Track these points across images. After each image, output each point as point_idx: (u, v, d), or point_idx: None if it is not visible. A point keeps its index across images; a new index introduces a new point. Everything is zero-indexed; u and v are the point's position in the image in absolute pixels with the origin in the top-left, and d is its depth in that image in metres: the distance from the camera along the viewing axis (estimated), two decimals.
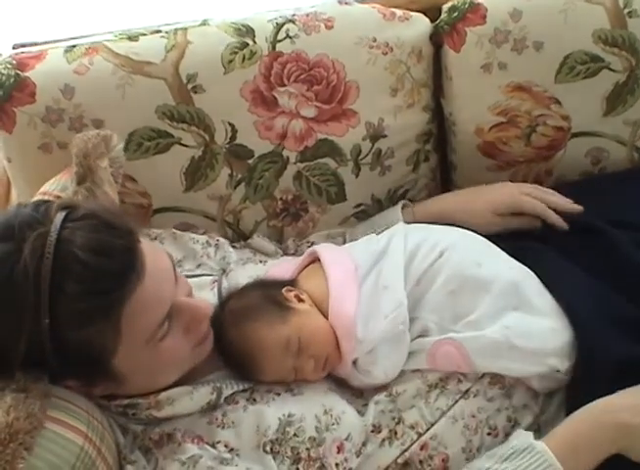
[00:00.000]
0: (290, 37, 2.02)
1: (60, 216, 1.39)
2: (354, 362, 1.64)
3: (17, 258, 1.34)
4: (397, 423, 1.60)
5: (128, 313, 1.38)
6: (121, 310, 1.37)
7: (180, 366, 1.55)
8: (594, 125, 2.18)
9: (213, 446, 1.51)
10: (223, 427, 1.54)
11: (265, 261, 1.98)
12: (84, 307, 1.34)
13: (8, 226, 1.39)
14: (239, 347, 1.62)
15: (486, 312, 1.64)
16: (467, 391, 1.63)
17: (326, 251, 1.81)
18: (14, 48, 2.07)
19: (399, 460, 1.58)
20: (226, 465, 1.49)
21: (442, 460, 1.59)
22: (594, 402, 1.55)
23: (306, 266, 1.82)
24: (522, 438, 1.53)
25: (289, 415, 1.55)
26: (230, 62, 1.98)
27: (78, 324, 1.35)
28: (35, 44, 2.05)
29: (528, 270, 1.76)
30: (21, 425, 1.27)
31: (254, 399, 1.59)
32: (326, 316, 1.66)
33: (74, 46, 1.97)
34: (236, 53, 1.99)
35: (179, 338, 1.50)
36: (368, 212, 2.18)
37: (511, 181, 2.20)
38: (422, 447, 1.59)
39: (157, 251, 1.51)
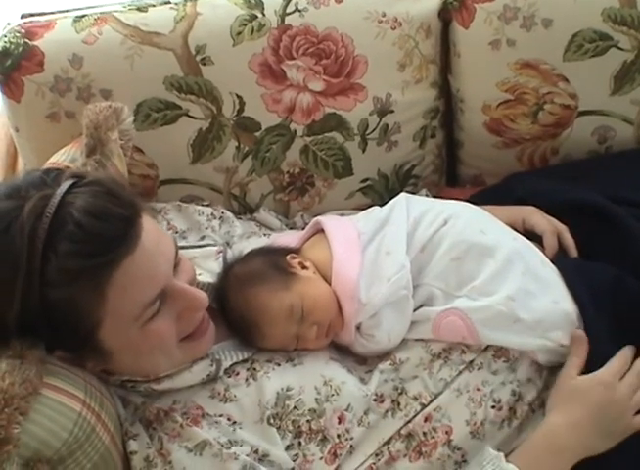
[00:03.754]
0: (299, 10, 1.97)
1: (68, 183, 1.35)
2: (358, 328, 1.61)
3: (16, 214, 1.31)
4: (400, 393, 1.57)
5: (116, 283, 1.33)
6: (108, 277, 1.32)
7: (167, 355, 1.48)
8: (601, 104, 2.12)
9: (216, 419, 1.48)
10: (225, 401, 1.51)
11: (269, 235, 1.95)
12: (71, 266, 1.30)
13: (15, 186, 1.38)
14: (242, 312, 1.59)
15: (491, 277, 1.61)
16: (471, 362, 1.59)
17: (329, 220, 1.78)
18: (22, 17, 2.01)
19: (402, 431, 1.54)
20: (232, 448, 1.45)
21: (446, 432, 1.55)
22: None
23: (311, 237, 1.78)
24: (494, 462, 1.49)
25: (287, 388, 1.52)
26: (239, 34, 1.93)
27: (64, 283, 1.31)
28: (44, 14, 2.00)
29: (531, 243, 1.73)
30: (16, 390, 1.23)
31: (255, 369, 1.55)
32: (330, 284, 1.63)
33: (83, 16, 1.93)
34: (245, 25, 1.94)
35: (169, 323, 1.44)
36: (374, 188, 2.13)
37: (518, 159, 2.18)
38: (425, 419, 1.55)
39: (160, 232, 1.47)
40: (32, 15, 2.01)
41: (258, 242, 1.86)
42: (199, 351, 1.53)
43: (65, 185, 1.35)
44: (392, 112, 2.07)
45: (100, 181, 1.39)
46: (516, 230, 1.79)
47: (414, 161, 2.17)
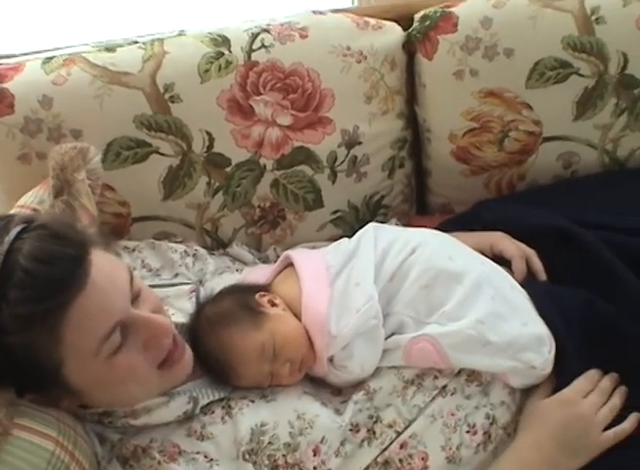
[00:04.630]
0: (265, 47, 1.98)
1: (16, 229, 1.35)
2: (331, 360, 1.61)
3: None
4: (375, 422, 1.56)
5: (70, 322, 1.32)
6: (61, 318, 1.31)
7: (144, 384, 1.47)
8: (565, 130, 2.14)
9: (193, 456, 1.48)
10: (202, 439, 1.50)
11: (242, 270, 1.94)
12: (23, 312, 1.29)
13: None
14: (215, 353, 1.58)
15: (460, 302, 1.62)
16: (444, 387, 1.59)
17: (298, 254, 1.78)
18: None
19: (379, 459, 1.54)
20: None
21: (422, 459, 1.55)
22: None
23: (282, 271, 1.78)
24: None
25: (261, 424, 1.52)
26: (206, 71, 1.94)
27: (19, 329, 1.30)
28: (13, 56, 2.00)
29: (500, 267, 1.74)
30: None
31: (230, 407, 1.54)
32: (300, 318, 1.63)
33: (52, 57, 1.92)
34: (212, 63, 1.94)
35: (135, 354, 1.42)
36: (345, 219, 2.14)
37: (485, 186, 2.20)
38: (401, 446, 1.55)
39: (112, 264, 1.45)
40: (1, 57, 2.01)
41: (231, 278, 1.85)
42: (176, 376, 1.52)
43: (13, 232, 1.34)
44: (360, 143, 2.08)
45: (46, 224, 1.37)
46: (485, 255, 1.79)
47: (383, 191, 2.18)
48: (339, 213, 2.13)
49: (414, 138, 2.23)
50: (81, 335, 1.34)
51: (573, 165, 2.19)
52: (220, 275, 1.90)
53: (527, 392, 1.63)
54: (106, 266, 1.40)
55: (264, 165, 2.02)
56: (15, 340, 1.30)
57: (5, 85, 1.86)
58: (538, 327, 1.62)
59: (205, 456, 1.48)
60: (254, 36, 1.98)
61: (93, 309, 1.34)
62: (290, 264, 1.76)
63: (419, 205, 2.33)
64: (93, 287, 1.34)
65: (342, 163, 2.08)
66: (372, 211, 2.17)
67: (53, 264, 1.31)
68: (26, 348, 1.31)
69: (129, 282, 1.44)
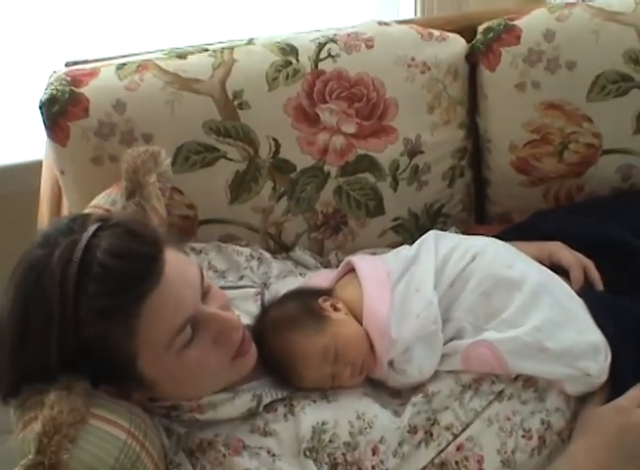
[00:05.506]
0: (331, 56, 2.01)
1: (93, 227, 1.40)
2: (391, 364, 1.63)
3: (46, 261, 1.37)
4: (433, 424, 1.58)
5: (144, 316, 1.37)
6: (136, 312, 1.36)
7: (213, 377, 1.52)
8: (624, 143, 2.14)
9: (256, 451, 1.51)
10: (265, 435, 1.53)
11: (305, 274, 1.97)
12: (101, 305, 1.34)
13: (46, 235, 1.44)
14: (278, 355, 1.61)
15: (518, 309, 1.63)
16: (500, 392, 1.60)
17: (360, 259, 1.80)
18: (66, 65, 2.06)
19: (436, 461, 1.56)
20: None
21: (477, 461, 1.56)
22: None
23: (343, 276, 1.81)
24: None
25: (322, 423, 1.54)
26: (274, 79, 1.97)
27: (96, 321, 1.34)
28: (87, 61, 2.05)
29: (557, 276, 1.75)
30: (64, 418, 1.27)
31: (292, 405, 1.57)
32: (361, 323, 1.65)
33: (125, 64, 1.97)
34: (280, 71, 1.98)
35: (206, 348, 1.46)
36: (405, 226, 2.15)
37: (544, 196, 2.20)
38: (457, 449, 1.56)
39: (184, 262, 1.50)
40: (76, 63, 2.06)
41: (294, 282, 1.88)
42: (243, 368, 1.56)
43: (90, 229, 1.39)
44: (422, 152, 2.10)
45: (121, 222, 1.43)
46: (543, 265, 1.80)
47: (443, 199, 2.19)
48: (399, 221, 2.15)
49: (474, 148, 2.24)
50: (155, 329, 1.38)
51: (632, 178, 2.19)
52: (284, 279, 1.92)
53: (582, 399, 1.63)
54: (178, 264, 1.44)
55: (328, 172, 2.05)
56: (92, 332, 1.35)
57: (81, 90, 1.90)
58: (595, 335, 1.63)
59: (268, 452, 1.51)
60: (322, 46, 2.02)
61: (166, 305, 1.39)
62: (352, 270, 1.78)
63: (478, 214, 2.34)
64: (166, 283, 1.38)
65: (403, 171, 2.09)
66: (432, 218, 2.18)
67: (129, 260, 1.36)
68: (103, 340, 1.36)
69: (200, 279, 1.48)
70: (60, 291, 1.34)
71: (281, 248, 2.11)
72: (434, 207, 2.19)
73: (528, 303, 1.63)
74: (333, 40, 2.03)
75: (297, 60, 2.00)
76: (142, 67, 1.96)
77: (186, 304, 1.42)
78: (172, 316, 1.40)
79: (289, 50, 2.01)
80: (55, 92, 1.89)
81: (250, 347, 1.56)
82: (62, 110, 1.89)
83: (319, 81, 2.00)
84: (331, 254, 2.11)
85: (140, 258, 1.37)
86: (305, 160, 2.03)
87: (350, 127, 2.03)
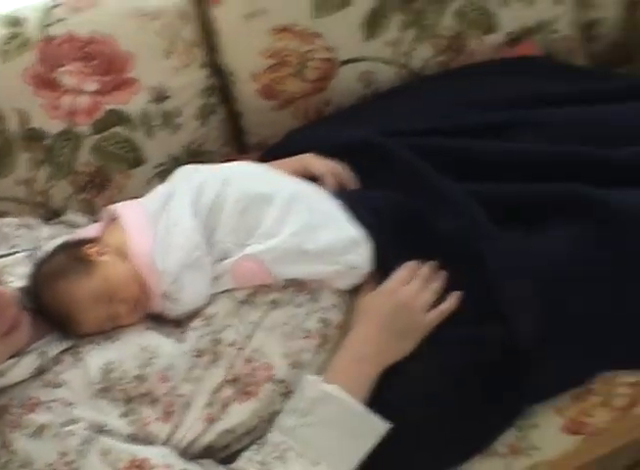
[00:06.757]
0: (59, 20, 2.01)
1: None
2: (165, 296, 1.66)
3: None
4: (217, 344, 1.62)
5: None
6: None
7: None
8: (358, 51, 2.22)
9: (50, 404, 1.52)
10: (56, 387, 1.54)
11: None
12: None
13: None
14: (54, 307, 1.62)
15: (274, 220, 1.68)
16: (275, 301, 1.66)
17: (120, 206, 1.82)
18: None
19: (228, 378, 1.61)
20: (69, 426, 1.50)
21: (266, 369, 1.62)
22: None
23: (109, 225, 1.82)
24: (313, 386, 1.59)
25: (109, 362, 1.56)
26: (6, 52, 1.97)
27: None
28: None
29: (314, 185, 1.82)
30: None
31: (78, 352, 1.59)
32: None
33: None
34: (9, 43, 1.97)
35: None
36: (169, 170, 2.07)
37: (295, 117, 2.27)
38: (246, 362, 1.62)
39: None
40: None
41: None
42: (19, 340, 1.55)
43: None
44: (169, 97, 2.13)
45: None
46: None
47: (201, 139, 2.23)
48: (162, 167, 2.18)
49: (223, 84, 2.28)
50: None
51: (374, 84, 2.27)
52: (55, 240, 1.88)
53: (356, 290, 1.71)
54: None
55: (81, 133, 2.06)
56: None
57: None
58: (352, 231, 1.69)
59: (62, 402, 1.52)
60: (47, 12, 2.01)
61: None
62: (116, 218, 1.80)
63: (239, 146, 2.38)
64: None
65: (155, 118, 2.13)
66: (194, 158, 2.21)
67: None
68: None
69: None
70: None
71: (53, 215, 2.11)
72: (193, 146, 2.23)
73: (283, 212, 1.69)
74: (57, 5, 2.03)
75: (25, 29, 1.99)
76: None
77: None
78: None
79: (15, 21, 2.00)
80: None
81: (22, 319, 1.56)
82: None
83: (51, 46, 2.00)
84: (102, 211, 2.10)
85: None
86: (55, 125, 2.04)
87: (92, 86, 2.04)
